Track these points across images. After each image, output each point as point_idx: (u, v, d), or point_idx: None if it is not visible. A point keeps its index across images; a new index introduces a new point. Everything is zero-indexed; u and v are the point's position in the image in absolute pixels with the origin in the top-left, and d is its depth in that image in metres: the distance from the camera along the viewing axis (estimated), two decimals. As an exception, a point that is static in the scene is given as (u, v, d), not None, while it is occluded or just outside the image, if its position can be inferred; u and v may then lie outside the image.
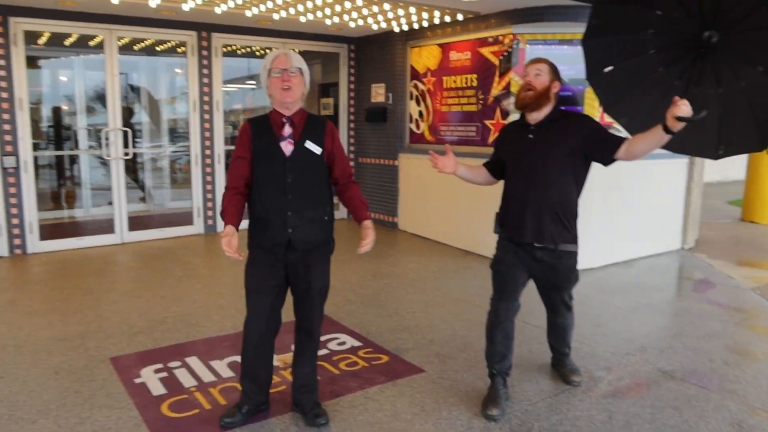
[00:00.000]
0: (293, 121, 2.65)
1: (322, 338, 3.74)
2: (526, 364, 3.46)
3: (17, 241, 5.99)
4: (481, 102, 6.14)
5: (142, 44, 7.43)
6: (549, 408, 2.96)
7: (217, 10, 5.78)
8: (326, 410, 2.82)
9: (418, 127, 7.11)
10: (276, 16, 6.09)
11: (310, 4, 5.61)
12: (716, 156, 2.64)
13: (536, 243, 2.85)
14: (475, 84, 6.20)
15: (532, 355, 3.58)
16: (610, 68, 2.71)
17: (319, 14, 6.06)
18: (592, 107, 5.60)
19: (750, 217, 8.42)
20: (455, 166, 2.98)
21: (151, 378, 3.23)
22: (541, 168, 2.82)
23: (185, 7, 5.63)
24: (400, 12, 6.01)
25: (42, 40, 7.03)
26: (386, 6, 5.71)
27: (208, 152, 7.00)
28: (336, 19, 6.35)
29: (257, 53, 8.10)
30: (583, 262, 3.03)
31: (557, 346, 3.28)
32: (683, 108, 2.31)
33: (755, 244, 6.96)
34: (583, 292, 4.71)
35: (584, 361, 3.49)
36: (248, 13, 5.94)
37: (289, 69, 2.58)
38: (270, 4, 5.64)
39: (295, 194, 2.61)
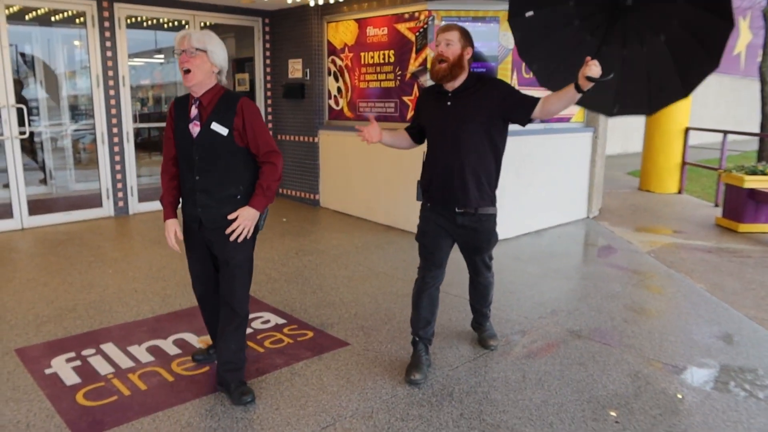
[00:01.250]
0: (201, 102, 2.64)
1: (246, 317, 3.72)
2: (446, 332, 3.60)
3: None
4: (398, 78, 6.20)
5: (35, 13, 6.85)
6: (468, 372, 3.11)
7: (120, -22, 5.43)
8: (252, 388, 2.82)
9: (337, 103, 7.08)
10: (184, -14, 5.81)
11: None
12: (611, 113, 2.80)
13: (458, 209, 2.94)
14: (392, 60, 6.24)
15: (452, 323, 3.73)
16: (530, 13, 2.76)
17: (231, -15, 5.85)
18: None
19: (646, 186, 9.10)
20: (380, 135, 3.03)
21: (62, 368, 3.08)
22: (461, 135, 2.89)
23: (83, -26, 5.25)
24: (316, -15, 5.91)
25: None
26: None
27: (115, 130, 6.62)
28: (249, -9, 6.15)
29: (165, 25, 7.70)
30: (498, 233, 3.17)
31: (478, 306, 3.42)
32: (593, 69, 2.42)
33: (651, 211, 7.55)
34: (499, 261, 4.92)
35: (501, 326, 3.69)
36: (154, -17, 5.63)
37: (187, 50, 2.55)
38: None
39: (202, 175, 2.65)
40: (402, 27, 6.07)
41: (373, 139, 2.98)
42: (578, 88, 2.52)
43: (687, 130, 8.78)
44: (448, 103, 2.94)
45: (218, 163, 2.63)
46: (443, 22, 5.72)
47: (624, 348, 3.43)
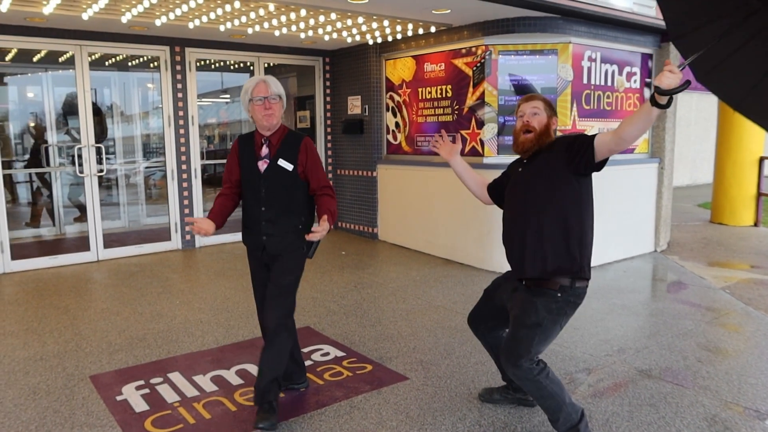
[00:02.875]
0: (271, 141, 2.92)
1: (305, 350, 3.76)
2: (507, 368, 3.51)
3: (-11, 262, 5.87)
4: (456, 112, 6.24)
5: (114, 59, 7.37)
6: (531, 410, 3.00)
7: (190, 26, 5.78)
8: (270, 417, 2.79)
9: (395, 138, 7.18)
10: (250, 31, 6.12)
11: (284, 19, 5.65)
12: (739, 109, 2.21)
13: (520, 278, 2.70)
14: (449, 95, 6.30)
15: (513, 359, 3.63)
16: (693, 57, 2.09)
17: (293, 28, 6.11)
18: (564, 116, 5.74)
19: (719, 219, 8.67)
20: (452, 154, 2.96)
21: (132, 395, 3.20)
22: (527, 200, 2.68)
23: (157, 23, 5.63)
24: (374, 25, 6.09)
25: (9, 57, 6.92)
26: (360, 19, 5.78)
27: (184, 167, 6.95)
28: (310, 33, 6.39)
29: (231, 67, 8.11)
30: (548, 326, 2.87)
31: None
32: (665, 79, 2.06)
33: (724, 244, 7.17)
34: (561, 296, 4.79)
35: (564, 363, 3.56)
36: (221, 28, 5.96)
37: (269, 97, 2.84)
38: (244, 19, 5.67)
39: (268, 206, 2.89)
40: (459, 62, 6.14)
41: (442, 152, 3.01)
42: (654, 102, 2.15)
43: (762, 159, 8.35)
44: (520, 169, 2.78)
45: (283, 195, 2.88)
46: (500, 56, 5.74)
47: (698, 389, 3.23)
